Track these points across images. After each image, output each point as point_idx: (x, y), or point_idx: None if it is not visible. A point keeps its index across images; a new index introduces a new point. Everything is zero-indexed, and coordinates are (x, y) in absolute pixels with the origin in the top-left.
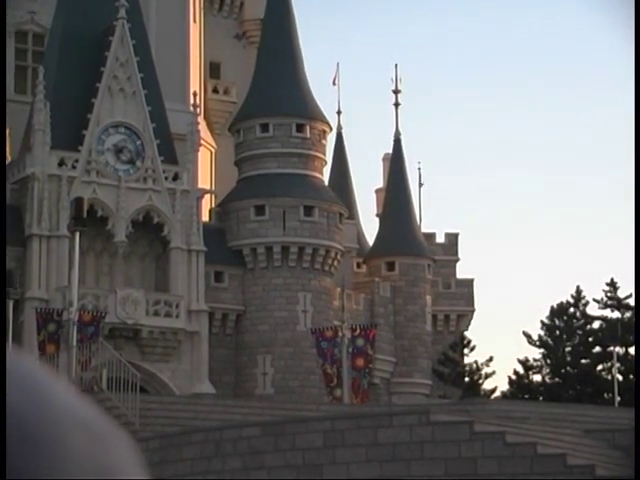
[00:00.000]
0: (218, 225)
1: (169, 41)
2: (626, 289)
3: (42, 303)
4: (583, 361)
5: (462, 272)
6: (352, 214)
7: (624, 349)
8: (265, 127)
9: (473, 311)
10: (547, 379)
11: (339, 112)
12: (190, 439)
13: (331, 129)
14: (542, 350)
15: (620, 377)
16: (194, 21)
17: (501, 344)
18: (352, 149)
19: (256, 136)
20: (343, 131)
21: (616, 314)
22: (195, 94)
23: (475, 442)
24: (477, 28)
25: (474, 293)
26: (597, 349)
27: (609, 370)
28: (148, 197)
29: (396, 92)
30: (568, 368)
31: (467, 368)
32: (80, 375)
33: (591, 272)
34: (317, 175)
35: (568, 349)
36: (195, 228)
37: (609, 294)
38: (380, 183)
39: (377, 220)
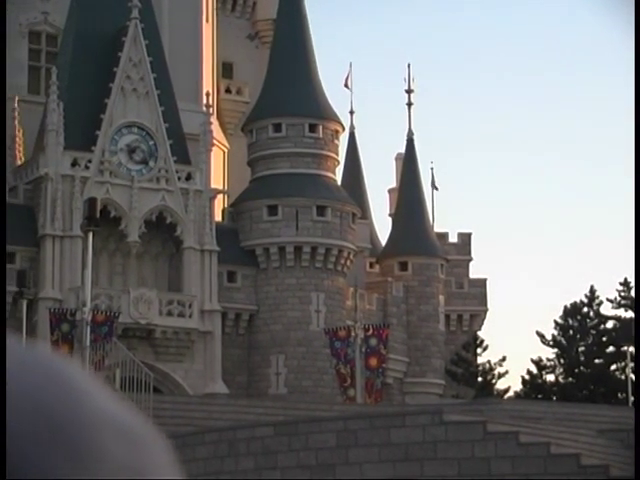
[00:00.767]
0: (231, 225)
1: (182, 41)
2: None
3: (56, 303)
4: (597, 361)
5: (475, 272)
6: (365, 214)
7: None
8: (278, 127)
9: (486, 311)
10: (560, 379)
11: (352, 112)
12: (203, 439)
13: (344, 129)
14: (555, 350)
15: (633, 377)
16: (207, 21)
17: (514, 344)
18: (365, 149)
19: (269, 136)
20: (356, 131)
21: (630, 314)
22: (208, 94)
23: (488, 442)
24: (490, 27)
25: (487, 293)
26: (611, 349)
27: (623, 370)
28: (161, 197)
29: (409, 92)
30: (582, 368)
31: (480, 368)
32: None
33: (605, 272)
34: (330, 175)
35: (582, 349)
36: (208, 228)
37: (623, 294)
38: (393, 183)
39: (390, 220)
